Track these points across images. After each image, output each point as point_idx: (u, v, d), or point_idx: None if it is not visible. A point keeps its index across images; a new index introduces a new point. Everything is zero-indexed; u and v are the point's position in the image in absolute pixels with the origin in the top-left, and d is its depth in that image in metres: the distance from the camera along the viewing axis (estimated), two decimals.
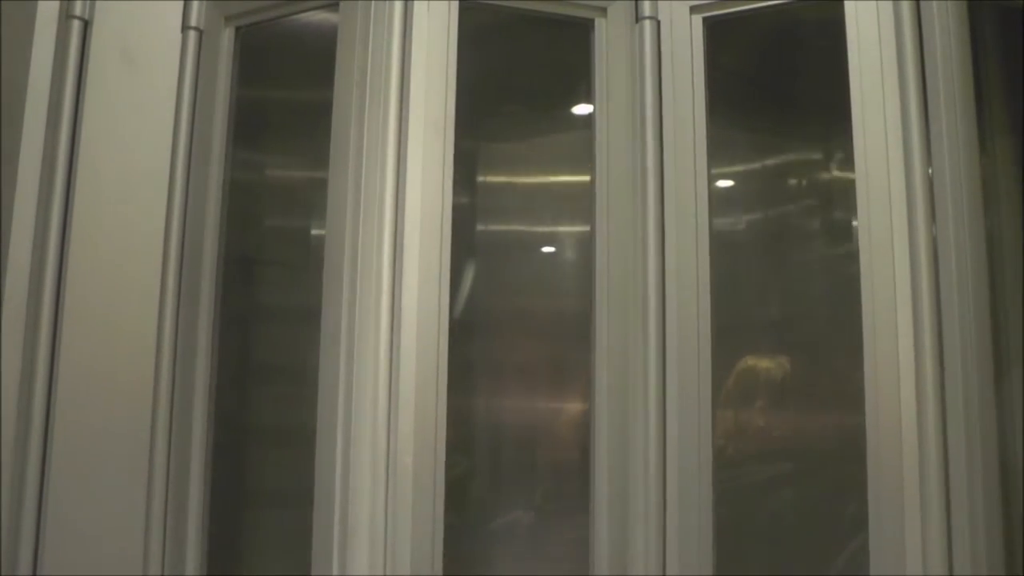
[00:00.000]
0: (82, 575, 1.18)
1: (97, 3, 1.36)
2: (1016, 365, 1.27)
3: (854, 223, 1.23)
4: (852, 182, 1.22)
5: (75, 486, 1.20)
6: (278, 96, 1.42)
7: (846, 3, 1.25)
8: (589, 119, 1.34)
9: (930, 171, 1.19)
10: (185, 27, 1.40)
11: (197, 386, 1.29)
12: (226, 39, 1.40)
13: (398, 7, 1.23)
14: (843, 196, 1.27)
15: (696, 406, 1.25)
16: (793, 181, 1.44)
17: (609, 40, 1.35)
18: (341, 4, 1.27)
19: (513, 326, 1.37)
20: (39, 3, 1.33)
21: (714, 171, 1.33)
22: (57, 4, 1.34)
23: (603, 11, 1.35)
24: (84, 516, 1.20)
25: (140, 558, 1.22)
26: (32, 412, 1.21)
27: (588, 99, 1.35)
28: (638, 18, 1.36)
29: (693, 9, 1.35)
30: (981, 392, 1.12)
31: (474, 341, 1.32)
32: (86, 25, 1.35)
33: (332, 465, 1.10)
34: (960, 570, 1.06)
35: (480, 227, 1.41)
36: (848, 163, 1.24)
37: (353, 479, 1.09)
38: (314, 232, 1.23)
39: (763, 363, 1.36)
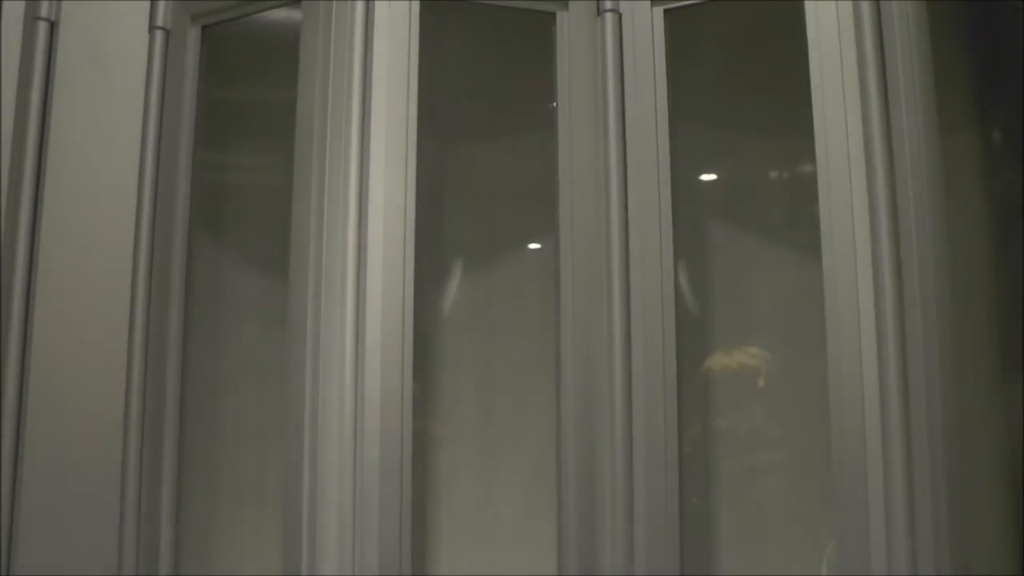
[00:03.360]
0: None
1: (63, 4, 1.37)
2: (1016, 369, 1.28)
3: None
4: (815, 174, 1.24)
5: (48, 486, 1.21)
6: (245, 94, 1.43)
7: (806, 2, 1.25)
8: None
9: (891, 164, 1.20)
10: (152, 27, 1.41)
11: (168, 385, 1.30)
12: (193, 38, 1.41)
13: (360, 4, 1.24)
14: (807, 188, 1.28)
15: (662, 405, 1.25)
16: (758, 173, 1.46)
17: (571, 34, 1.36)
18: (303, 3, 1.29)
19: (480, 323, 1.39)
20: (4, 4, 1.33)
21: (679, 164, 1.35)
22: (23, 5, 1.35)
23: (564, 4, 1.36)
24: (57, 517, 1.21)
25: (114, 558, 1.24)
26: (3, 413, 1.22)
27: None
28: (599, 11, 1.37)
29: (654, 1, 1.36)
30: (943, 388, 1.12)
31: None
32: (52, 26, 1.36)
33: (300, 460, 1.12)
34: (923, 569, 1.07)
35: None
36: (812, 154, 1.25)
37: (321, 474, 1.11)
38: (280, 229, 1.24)
39: (732, 358, 1.38)
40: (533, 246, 1.44)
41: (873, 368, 1.14)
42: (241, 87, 1.44)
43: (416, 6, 1.25)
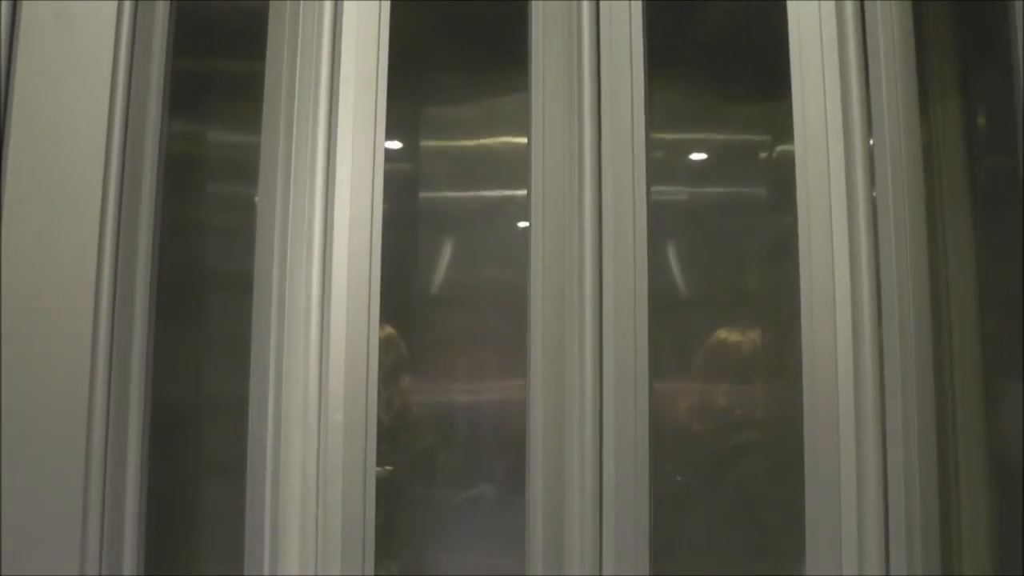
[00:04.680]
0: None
1: None
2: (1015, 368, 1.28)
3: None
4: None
5: (8, 483, 1.15)
6: (214, 58, 1.41)
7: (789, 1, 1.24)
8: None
9: (871, 141, 1.19)
10: None
11: (134, 361, 1.27)
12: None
13: None
14: (786, 163, 1.27)
15: (632, 407, 1.23)
16: (735, 147, 1.45)
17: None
18: None
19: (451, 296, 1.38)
20: None
21: (653, 137, 1.33)
22: None
23: None
24: (17, 515, 1.15)
25: (77, 557, 1.18)
26: None
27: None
28: None
29: None
30: (920, 371, 1.12)
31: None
32: None
33: (263, 425, 1.12)
34: (896, 569, 1.07)
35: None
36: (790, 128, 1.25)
37: (284, 438, 1.11)
38: (249, 196, 1.23)
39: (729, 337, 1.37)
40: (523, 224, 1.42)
41: (847, 344, 1.14)
42: (211, 51, 1.42)
43: None
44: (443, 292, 1.41)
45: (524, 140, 1.32)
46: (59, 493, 1.17)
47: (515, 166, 1.34)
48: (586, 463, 1.22)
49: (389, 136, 1.21)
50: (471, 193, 1.44)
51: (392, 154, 1.23)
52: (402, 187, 1.37)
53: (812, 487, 1.14)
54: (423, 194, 1.44)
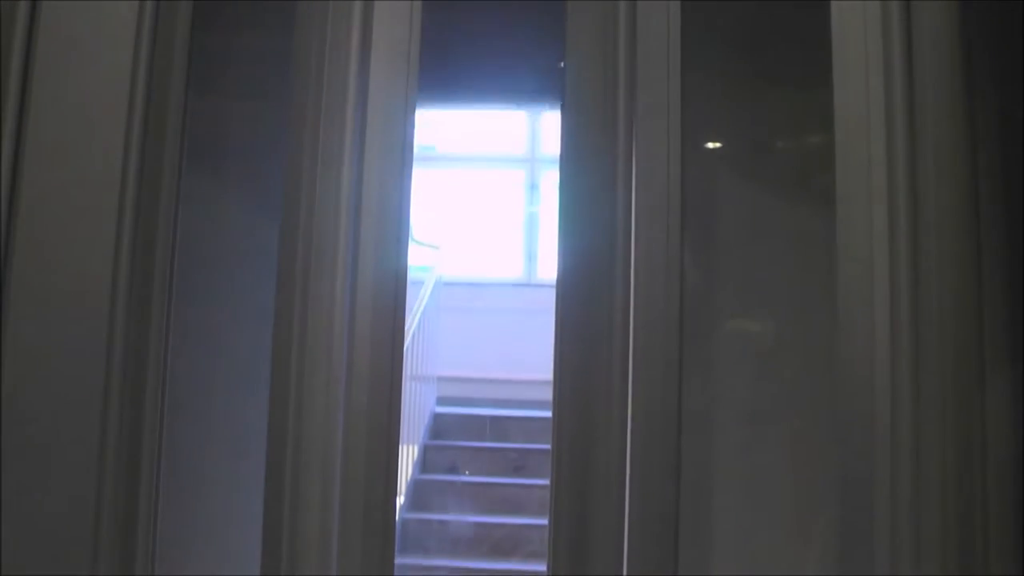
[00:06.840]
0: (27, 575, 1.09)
1: None
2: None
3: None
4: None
5: (21, 478, 1.10)
6: (241, 33, 1.39)
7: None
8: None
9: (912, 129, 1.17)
10: None
11: (151, 340, 1.23)
12: None
13: None
14: (827, 152, 1.24)
15: (661, 402, 1.19)
16: (772, 135, 1.42)
17: None
18: None
19: None
20: None
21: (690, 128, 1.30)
22: None
23: None
24: (29, 510, 1.10)
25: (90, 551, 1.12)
26: None
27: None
28: None
29: None
30: (955, 377, 1.09)
31: None
32: None
33: (285, 405, 1.07)
34: (928, 569, 1.04)
35: None
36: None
37: (306, 416, 1.07)
38: (273, 170, 1.20)
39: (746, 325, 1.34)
40: None
41: (886, 337, 1.11)
42: (238, 27, 1.39)
43: None
44: None
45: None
46: (71, 486, 1.11)
47: None
48: (611, 462, 1.19)
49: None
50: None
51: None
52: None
53: (845, 485, 1.11)
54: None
